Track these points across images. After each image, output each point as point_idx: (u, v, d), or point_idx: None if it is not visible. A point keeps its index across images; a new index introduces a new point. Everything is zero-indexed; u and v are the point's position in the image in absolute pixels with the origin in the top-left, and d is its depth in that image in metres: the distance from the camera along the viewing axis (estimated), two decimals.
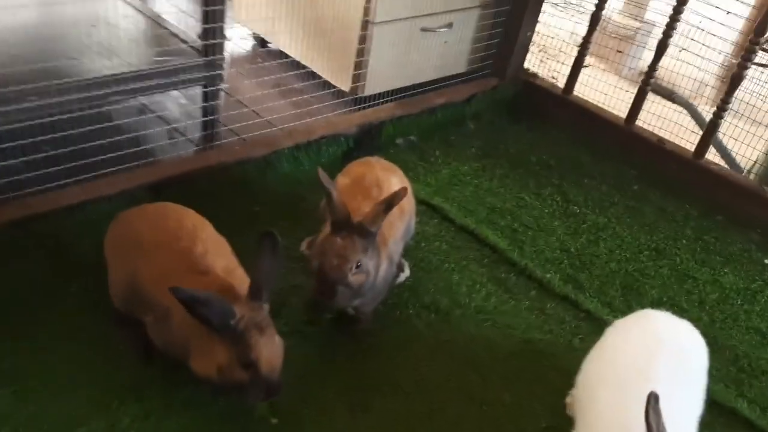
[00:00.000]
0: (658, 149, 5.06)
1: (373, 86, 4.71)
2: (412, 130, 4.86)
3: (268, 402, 2.74)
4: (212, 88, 4.06)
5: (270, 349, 2.56)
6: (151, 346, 2.91)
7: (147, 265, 2.76)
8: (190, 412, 2.81)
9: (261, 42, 5.53)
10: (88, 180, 3.54)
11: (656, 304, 3.74)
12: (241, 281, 2.74)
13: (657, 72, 4.92)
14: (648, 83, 4.94)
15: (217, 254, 2.84)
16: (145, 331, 2.87)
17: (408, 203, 3.47)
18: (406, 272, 3.68)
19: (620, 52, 6.80)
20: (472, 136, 5.09)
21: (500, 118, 5.34)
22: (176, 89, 4.19)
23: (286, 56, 5.01)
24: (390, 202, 2.94)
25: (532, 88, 5.54)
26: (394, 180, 3.41)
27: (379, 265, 3.12)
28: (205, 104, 4.12)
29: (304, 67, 4.88)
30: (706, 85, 5.87)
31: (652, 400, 2.16)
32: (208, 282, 2.66)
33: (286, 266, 3.56)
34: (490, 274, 3.84)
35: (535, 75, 5.62)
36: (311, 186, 3.90)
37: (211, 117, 4.17)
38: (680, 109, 5.43)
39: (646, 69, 4.98)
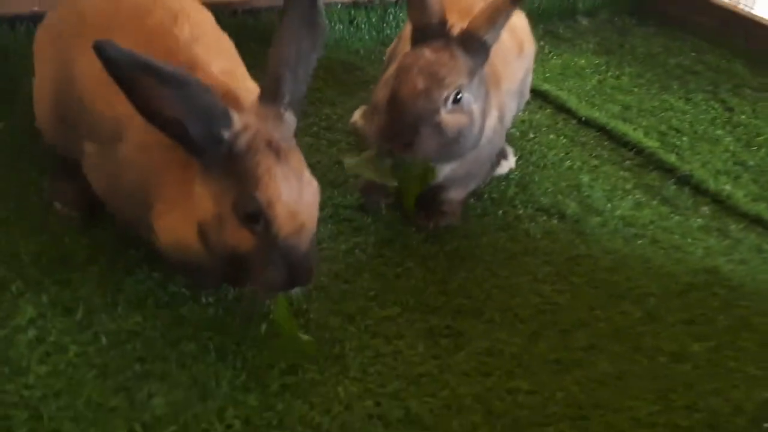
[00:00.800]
0: None
1: None
2: None
3: (287, 302, 1.49)
4: None
5: (294, 189, 1.34)
6: (95, 205, 1.72)
7: (89, 53, 1.52)
8: (155, 315, 1.61)
9: None
10: None
11: None
12: (248, 91, 1.51)
13: None
14: None
15: (213, 49, 1.62)
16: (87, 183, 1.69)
17: (528, 42, 2.20)
18: (511, 161, 2.40)
19: None
20: (587, 31, 3.81)
21: (621, 17, 4.05)
22: None
23: None
24: None
25: None
26: None
27: (487, 113, 1.86)
28: None
29: None
30: None
31: None
32: None
33: (331, 139, 2.34)
34: (637, 180, 2.53)
35: None
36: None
37: None
38: None
39: None
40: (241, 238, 1.35)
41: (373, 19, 3.13)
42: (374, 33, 3.12)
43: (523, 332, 1.75)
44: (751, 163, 2.82)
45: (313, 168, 1.46)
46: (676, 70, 3.58)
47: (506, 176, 2.36)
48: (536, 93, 2.96)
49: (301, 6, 1.42)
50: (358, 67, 2.88)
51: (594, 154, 2.65)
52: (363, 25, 3.11)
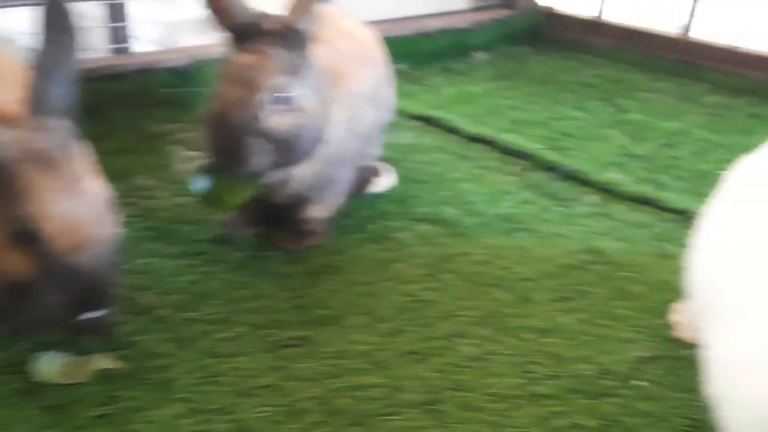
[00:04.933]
0: (730, 56, 3.83)
1: None
2: (401, 57, 3.70)
3: (102, 329, 1.44)
4: None
5: (69, 201, 1.30)
6: None
7: None
8: None
9: None
10: None
11: None
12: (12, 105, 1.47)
13: None
14: None
15: None
16: None
17: (374, 51, 2.24)
18: (389, 179, 2.41)
19: None
20: (484, 64, 3.92)
21: (517, 48, 4.18)
22: None
23: None
24: None
25: (554, 17, 4.43)
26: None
27: (329, 108, 1.87)
28: None
29: None
30: None
31: None
32: None
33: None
34: (522, 182, 2.54)
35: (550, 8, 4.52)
36: None
37: None
38: None
39: None
40: (15, 263, 1.26)
41: None
42: None
43: (381, 331, 1.70)
44: (640, 153, 2.85)
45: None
46: (572, 85, 3.66)
47: (383, 195, 2.36)
48: (423, 119, 3.02)
49: (53, 13, 1.38)
50: None
51: (480, 165, 2.66)
52: None
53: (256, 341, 1.63)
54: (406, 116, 3.03)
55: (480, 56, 4.04)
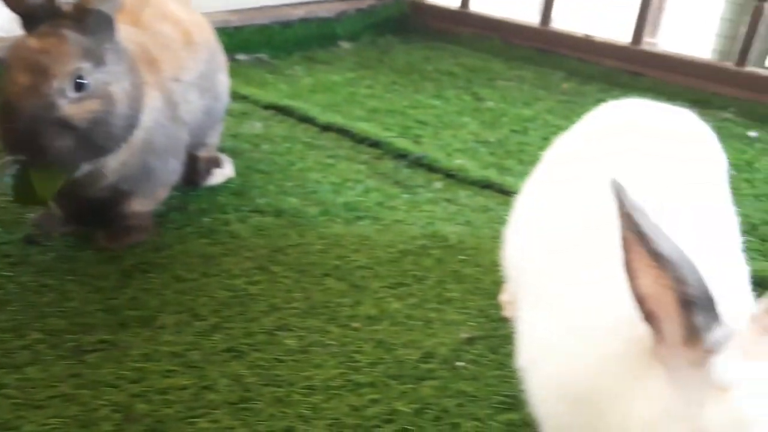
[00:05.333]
0: (585, 44, 3.99)
1: None
2: (260, 46, 3.60)
3: None
4: None
5: None
6: None
7: None
8: None
9: None
10: None
11: None
12: None
13: None
14: None
15: None
16: None
17: (200, 36, 2.12)
18: (227, 170, 2.30)
19: None
20: (347, 54, 3.88)
21: (384, 38, 4.17)
22: None
23: None
24: None
25: (419, 7, 4.46)
26: None
27: (140, 94, 1.75)
28: None
29: None
30: None
31: (615, 188, 0.89)
32: None
33: None
34: (371, 170, 2.50)
35: None
36: None
37: None
38: None
39: None
40: None
41: None
42: None
43: (196, 330, 1.59)
44: (492, 139, 2.89)
45: None
46: (433, 74, 3.68)
47: (221, 186, 2.26)
48: (276, 108, 2.92)
49: None
50: None
51: (330, 155, 2.60)
52: None
53: (52, 348, 1.49)
54: (258, 105, 2.93)
55: (345, 46, 3.99)
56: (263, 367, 1.50)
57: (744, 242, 2.27)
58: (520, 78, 3.75)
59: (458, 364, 1.56)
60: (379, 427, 1.37)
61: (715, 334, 0.89)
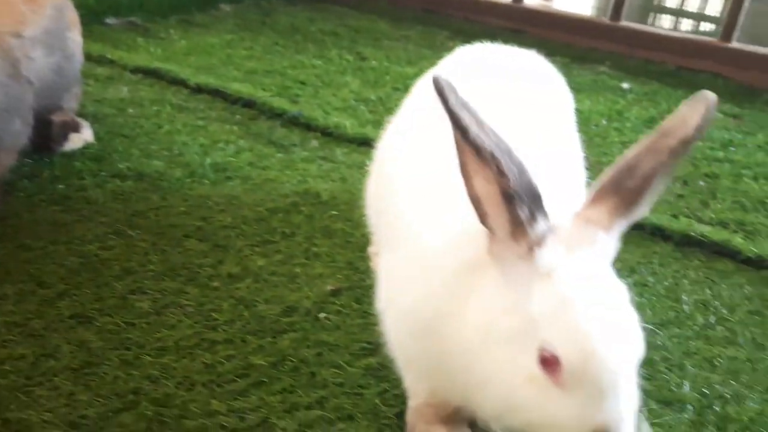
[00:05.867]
0: (471, 4, 4.05)
1: None
2: (132, 9, 3.42)
3: None
4: None
5: None
6: None
7: None
8: None
9: None
10: None
11: None
12: None
13: None
14: None
15: None
16: None
17: None
18: (85, 135, 2.17)
19: None
20: (227, 16, 3.75)
21: (268, 1, 4.05)
22: None
23: None
24: None
25: None
26: None
27: None
28: None
29: None
30: None
31: (439, 85, 0.88)
32: None
33: None
34: (244, 130, 2.43)
35: None
36: None
37: None
38: None
39: None
40: None
41: None
42: None
43: (41, 298, 1.49)
44: (373, 97, 2.87)
45: None
46: (316, 35, 3.62)
47: (79, 152, 2.13)
48: (144, 72, 2.78)
49: None
50: None
51: (201, 117, 2.50)
52: None
53: None
54: (125, 70, 2.78)
55: (225, 8, 3.86)
56: (112, 331, 1.43)
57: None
58: (405, 38, 3.74)
59: (321, 315, 1.54)
60: (233, 381, 1.33)
61: (540, 227, 0.92)
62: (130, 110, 2.46)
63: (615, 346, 0.85)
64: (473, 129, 0.89)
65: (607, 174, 0.96)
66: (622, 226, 0.95)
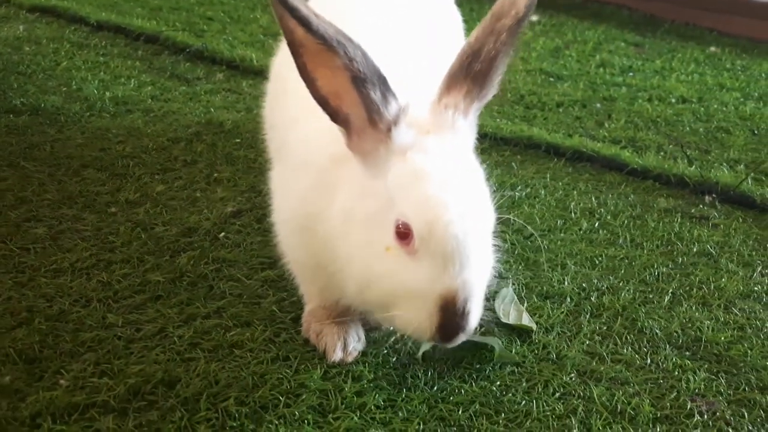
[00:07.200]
0: None
1: None
2: None
3: None
4: None
5: None
6: None
7: None
8: None
9: None
10: None
11: None
12: None
13: None
14: None
15: None
16: None
17: None
18: None
19: None
20: None
21: None
22: None
23: None
24: None
25: None
26: None
27: None
28: None
29: None
30: None
31: None
32: None
33: None
34: (147, 65, 2.39)
35: None
36: None
37: None
38: None
39: None
40: None
41: None
42: None
43: None
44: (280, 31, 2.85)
45: None
46: None
47: None
48: (42, 10, 2.69)
49: None
50: None
51: (102, 53, 2.44)
52: None
53: None
54: (21, 9, 2.67)
55: None
56: (6, 257, 1.43)
57: (512, 109, 2.47)
58: None
59: (221, 235, 1.57)
60: (130, 297, 1.36)
61: (392, 108, 0.97)
62: (26, 48, 2.38)
63: (461, 215, 0.91)
64: (314, 19, 0.92)
65: (455, 61, 1.01)
66: (477, 108, 1.01)
